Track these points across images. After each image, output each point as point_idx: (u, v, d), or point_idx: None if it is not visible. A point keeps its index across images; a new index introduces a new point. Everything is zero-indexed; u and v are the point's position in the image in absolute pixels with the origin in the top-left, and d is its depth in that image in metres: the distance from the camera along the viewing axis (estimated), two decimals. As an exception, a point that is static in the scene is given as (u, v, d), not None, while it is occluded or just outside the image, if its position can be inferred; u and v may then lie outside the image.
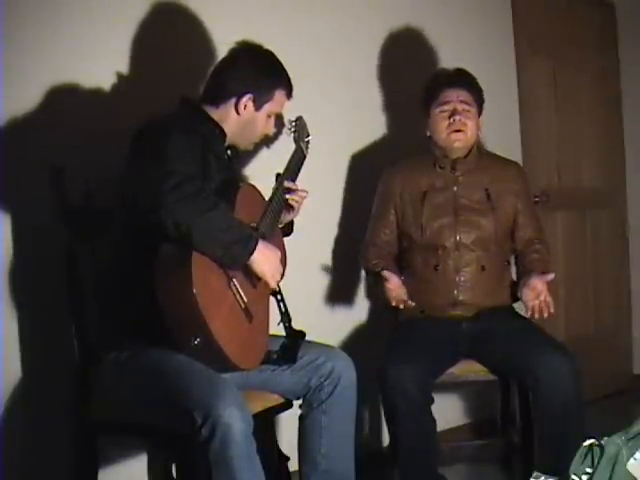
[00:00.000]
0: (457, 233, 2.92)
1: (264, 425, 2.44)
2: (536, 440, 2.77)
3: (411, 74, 3.41)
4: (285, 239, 2.56)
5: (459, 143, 2.93)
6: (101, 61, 2.60)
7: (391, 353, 2.75)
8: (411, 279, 2.90)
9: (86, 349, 2.34)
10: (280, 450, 2.67)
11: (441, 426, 2.86)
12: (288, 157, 2.59)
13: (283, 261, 2.40)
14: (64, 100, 2.51)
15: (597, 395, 3.97)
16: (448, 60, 3.42)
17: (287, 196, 2.50)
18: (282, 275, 2.37)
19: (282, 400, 2.50)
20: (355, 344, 3.25)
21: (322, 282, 3.26)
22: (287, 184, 2.50)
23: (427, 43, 3.57)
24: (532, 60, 4.02)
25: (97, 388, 2.31)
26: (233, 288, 2.21)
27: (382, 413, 2.82)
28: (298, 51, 3.02)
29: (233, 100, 2.40)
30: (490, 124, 3.13)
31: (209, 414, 2.01)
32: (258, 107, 2.42)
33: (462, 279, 2.91)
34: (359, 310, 3.39)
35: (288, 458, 2.66)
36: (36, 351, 2.46)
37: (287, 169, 2.55)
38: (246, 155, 2.83)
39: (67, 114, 2.52)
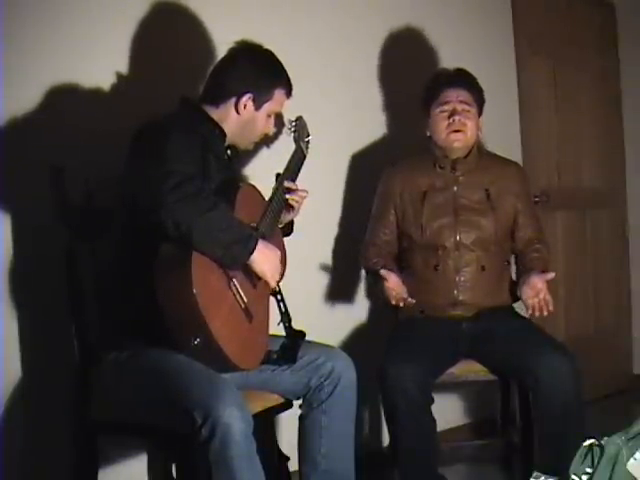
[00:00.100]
0: (457, 233, 2.92)
1: (264, 425, 2.44)
2: (536, 440, 2.77)
3: (411, 74, 3.41)
4: (285, 239, 2.56)
5: (459, 143, 2.93)
6: (101, 61, 2.60)
7: (391, 353, 2.75)
8: (411, 279, 2.89)
9: (86, 349, 2.34)
10: (280, 450, 2.67)
11: (441, 426, 2.86)
12: (288, 157, 2.59)
13: (283, 261, 2.40)
14: (64, 100, 2.51)
15: (597, 395, 3.97)
16: (448, 60, 3.42)
17: (287, 196, 2.50)
18: (282, 275, 2.38)
19: (282, 400, 2.50)
20: (355, 344, 3.25)
21: (322, 282, 3.26)
22: (287, 184, 2.50)
23: (427, 43, 3.57)
24: (532, 60, 4.02)
25: (97, 388, 2.31)
26: (233, 288, 2.21)
27: (382, 413, 2.82)
28: (298, 51, 3.02)
29: (233, 100, 2.40)
30: (490, 124, 3.13)
31: (209, 414, 2.01)
32: (258, 107, 2.42)
33: (462, 279, 2.91)
34: (359, 310, 3.39)
35: (288, 458, 2.66)
36: (36, 351, 2.46)
37: (287, 169, 2.55)
38: (246, 155, 2.83)
39: (67, 114, 2.52)
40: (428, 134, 2.99)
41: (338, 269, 3.29)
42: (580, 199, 4.33)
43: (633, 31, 4.47)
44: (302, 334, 2.41)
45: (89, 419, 2.32)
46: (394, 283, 2.78)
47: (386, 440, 3.11)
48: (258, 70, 2.42)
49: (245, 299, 2.23)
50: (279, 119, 2.67)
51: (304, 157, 2.65)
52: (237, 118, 2.42)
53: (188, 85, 2.67)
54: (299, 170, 2.61)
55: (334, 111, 3.23)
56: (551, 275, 2.81)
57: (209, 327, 2.07)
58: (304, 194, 2.54)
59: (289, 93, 2.49)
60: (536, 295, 2.76)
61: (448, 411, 3.48)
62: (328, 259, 3.28)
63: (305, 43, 3.15)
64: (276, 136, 2.78)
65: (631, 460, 2.19)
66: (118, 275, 2.30)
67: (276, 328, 2.41)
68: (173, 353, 2.14)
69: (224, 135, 2.42)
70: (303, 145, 2.65)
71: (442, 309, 2.91)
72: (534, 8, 4.02)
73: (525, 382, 2.74)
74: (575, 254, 4.24)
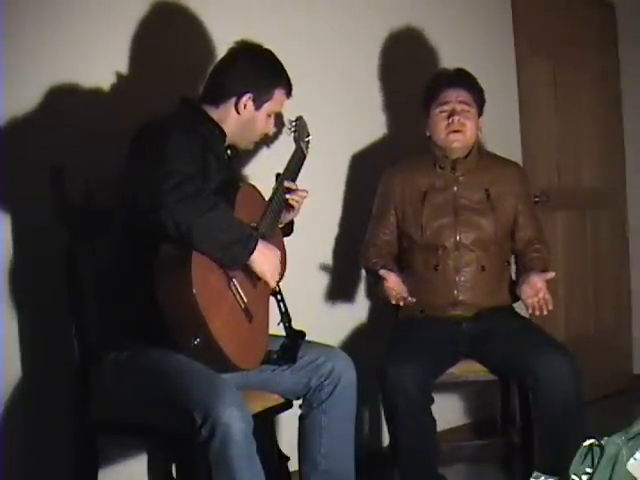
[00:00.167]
0: (457, 233, 2.92)
1: (264, 425, 2.44)
2: (536, 440, 2.77)
3: (411, 74, 3.41)
4: (285, 239, 2.56)
5: (458, 144, 2.93)
6: (101, 61, 2.60)
7: (391, 353, 2.75)
8: (411, 279, 2.89)
9: (86, 349, 2.34)
10: (280, 450, 2.67)
11: (441, 426, 2.86)
12: (288, 157, 2.59)
13: (283, 261, 2.40)
14: (64, 100, 2.51)
15: (597, 395, 3.97)
16: (448, 60, 3.42)
17: (287, 196, 2.50)
18: (282, 275, 2.38)
19: (282, 400, 2.50)
20: (355, 344, 3.25)
21: (322, 282, 3.26)
22: (287, 184, 2.50)
23: (427, 43, 3.57)
24: (532, 60, 4.02)
25: (97, 388, 2.30)
26: (233, 288, 2.21)
27: (382, 413, 2.82)
28: (298, 51, 3.02)
29: (233, 100, 2.40)
30: (490, 124, 3.13)
31: (209, 414, 2.01)
32: (258, 106, 2.42)
33: (462, 279, 2.91)
34: (359, 310, 3.39)
35: (288, 458, 2.66)
36: (36, 351, 2.46)
37: (287, 169, 2.55)
38: (246, 155, 2.83)
39: (67, 114, 2.52)
40: (428, 134, 2.99)
41: (338, 269, 3.29)
42: (580, 199, 4.33)
43: (633, 31, 4.47)
44: (302, 334, 2.41)
45: (89, 419, 2.32)
46: (394, 283, 2.78)
47: (386, 440, 3.11)
48: (258, 70, 2.42)
49: (245, 299, 2.23)
50: (279, 119, 2.67)
51: (304, 157, 2.65)
52: (237, 118, 2.42)
53: (188, 85, 2.67)
54: (299, 170, 2.61)
55: (334, 111, 3.23)
56: (551, 274, 2.81)
57: (209, 327, 2.07)
58: (304, 194, 2.54)
59: (289, 93, 2.49)
60: (535, 294, 2.76)
61: (448, 411, 3.48)
62: (328, 259, 3.28)
63: (305, 43, 3.15)
64: (276, 136, 2.78)
65: (631, 460, 2.19)
66: (118, 275, 2.30)
67: (276, 328, 2.41)
68: (173, 353, 2.14)
69: (224, 135, 2.42)
70: (303, 145, 2.65)
71: (442, 309, 2.91)
72: (534, 8, 4.02)
73: (525, 382, 2.74)
74: (575, 254, 4.24)
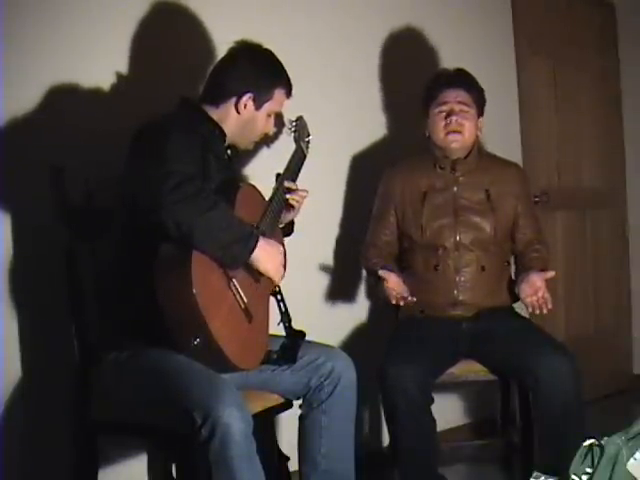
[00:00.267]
0: (457, 233, 2.92)
1: (264, 425, 2.44)
2: (536, 440, 2.77)
3: (411, 74, 3.41)
4: (285, 239, 2.56)
5: (456, 144, 2.92)
6: (101, 61, 2.60)
7: (391, 353, 2.75)
8: (411, 279, 2.89)
9: (86, 349, 2.34)
10: (280, 450, 2.67)
11: (441, 426, 2.86)
12: (288, 157, 2.59)
13: (283, 261, 2.40)
14: (64, 100, 2.51)
15: (597, 395, 3.97)
16: (448, 60, 3.42)
17: (287, 196, 2.50)
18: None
19: (282, 400, 2.50)
20: (355, 344, 3.25)
21: (322, 282, 3.26)
22: (287, 184, 2.50)
23: (427, 43, 3.57)
24: (532, 60, 4.02)
25: (97, 388, 2.30)
26: (233, 288, 2.21)
27: (382, 413, 2.82)
28: (298, 51, 3.02)
29: (233, 99, 2.40)
30: (490, 124, 3.13)
31: (209, 414, 2.01)
32: (258, 106, 2.42)
33: (462, 279, 2.91)
34: (359, 310, 3.39)
35: (288, 458, 2.66)
36: (36, 351, 2.46)
37: (287, 169, 2.55)
38: (246, 155, 2.83)
39: (67, 114, 2.52)
40: (427, 134, 2.99)
41: (338, 269, 3.29)
42: (580, 199, 4.33)
43: (633, 31, 4.47)
44: (302, 334, 2.41)
45: (89, 419, 2.32)
46: (394, 283, 2.78)
47: (386, 440, 3.11)
48: (258, 70, 2.42)
49: (245, 299, 2.23)
50: (279, 119, 2.67)
51: (304, 157, 2.65)
52: (237, 118, 2.42)
53: (188, 85, 2.67)
54: (299, 170, 2.61)
55: (334, 111, 3.23)
56: (550, 274, 2.81)
57: (209, 327, 2.07)
58: (304, 194, 2.54)
59: (289, 93, 2.49)
60: (535, 293, 2.76)
61: (448, 411, 3.48)
62: (328, 259, 3.28)
63: (305, 43, 3.15)
64: (276, 136, 2.78)
65: (631, 460, 2.19)
66: (118, 275, 2.30)
67: (276, 328, 2.41)
68: (173, 353, 2.14)
69: (224, 135, 2.42)
70: (303, 145, 2.65)
71: (442, 309, 2.91)
72: (534, 8, 4.02)
73: (525, 382, 2.74)
74: (575, 254, 4.24)
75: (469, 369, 2.88)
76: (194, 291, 2.05)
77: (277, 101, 2.46)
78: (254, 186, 2.45)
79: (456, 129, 2.90)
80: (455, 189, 2.96)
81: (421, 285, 2.90)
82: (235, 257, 2.16)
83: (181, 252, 2.10)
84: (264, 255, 2.22)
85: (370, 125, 3.41)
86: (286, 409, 2.55)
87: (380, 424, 3.28)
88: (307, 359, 2.43)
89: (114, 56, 2.63)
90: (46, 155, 2.42)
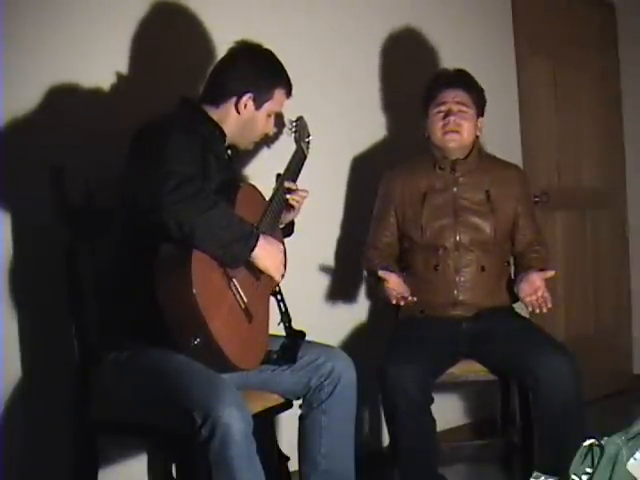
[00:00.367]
0: (457, 234, 2.92)
1: (264, 425, 2.44)
2: (536, 440, 2.77)
3: (411, 74, 3.41)
4: (286, 239, 2.56)
5: (454, 143, 2.92)
6: (101, 61, 2.60)
7: (391, 353, 2.75)
8: (411, 279, 2.89)
9: (86, 349, 2.34)
10: (280, 450, 2.67)
11: (441, 426, 2.86)
12: (288, 157, 2.59)
13: (283, 260, 2.40)
14: (64, 100, 2.51)
15: (597, 395, 3.97)
16: (448, 60, 3.42)
17: (287, 196, 2.50)
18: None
19: (282, 400, 2.50)
20: (355, 344, 3.25)
21: (322, 282, 3.26)
22: (287, 184, 2.50)
23: (427, 43, 3.57)
24: (532, 60, 4.02)
25: (97, 388, 2.30)
26: (233, 288, 2.21)
27: (382, 413, 2.82)
28: (298, 51, 3.02)
29: (233, 99, 2.40)
30: (490, 124, 3.13)
31: (209, 414, 2.01)
32: (258, 106, 2.42)
33: (462, 279, 2.91)
34: (359, 310, 3.39)
35: (288, 458, 2.66)
36: (36, 351, 2.46)
37: (288, 169, 2.55)
38: (246, 155, 2.83)
39: (67, 114, 2.52)
40: (427, 135, 2.99)
41: (338, 269, 3.29)
42: (580, 199, 4.33)
43: (633, 31, 4.47)
44: (302, 334, 2.41)
45: (89, 419, 2.32)
46: (394, 283, 2.78)
47: (386, 440, 3.11)
48: (258, 70, 2.42)
49: (245, 299, 2.23)
50: (279, 119, 2.67)
51: (305, 157, 2.65)
52: (237, 118, 2.42)
53: (188, 85, 2.67)
54: (300, 170, 2.61)
55: (334, 111, 3.23)
56: (550, 273, 2.81)
57: (209, 327, 2.07)
58: (304, 194, 2.54)
59: (289, 93, 2.49)
60: (534, 292, 2.76)
61: (448, 411, 3.48)
62: (328, 259, 3.28)
63: (305, 43, 3.15)
64: (277, 136, 2.78)
65: (631, 460, 2.19)
66: (118, 275, 2.30)
67: (276, 328, 2.41)
68: (173, 353, 2.14)
69: (224, 135, 2.42)
70: (304, 145, 2.65)
71: (442, 309, 2.91)
72: (534, 8, 4.02)
73: (525, 382, 2.74)
74: (575, 254, 4.24)
75: (469, 369, 2.88)
76: (194, 291, 2.05)
77: (277, 101, 2.46)
78: (254, 186, 2.45)
79: (454, 129, 2.90)
80: (455, 190, 2.96)
81: (421, 285, 2.90)
82: (236, 256, 2.16)
83: (181, 252, 2.10)
84: (264, 253, 2.22)
85: (370, 125, 3.41)
86: (286, 409, 2.55)
87: (380, 424, 3.28)
88: (307, 359, 2.43)
89: (114, 56, 2.63)
90: (46, 155, 2.42)
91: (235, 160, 2.55)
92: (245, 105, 2.41)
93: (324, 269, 3.25)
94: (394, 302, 2.78)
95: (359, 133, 3.37)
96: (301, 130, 2.66)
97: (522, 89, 3.98)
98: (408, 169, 3.03)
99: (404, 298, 2.76)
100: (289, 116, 2.66)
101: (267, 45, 2.48)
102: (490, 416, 3.48)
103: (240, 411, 2.04)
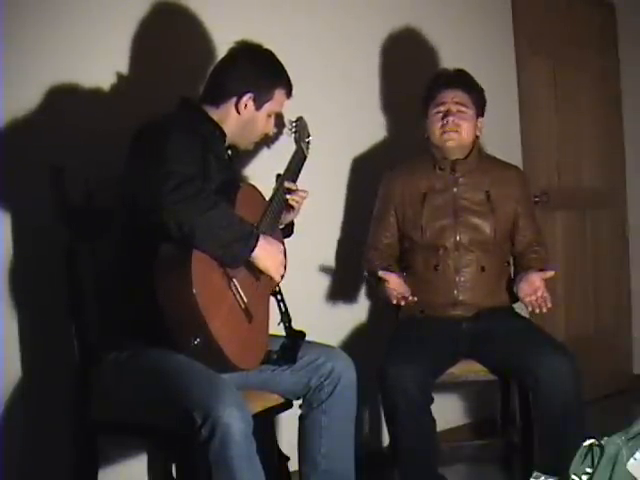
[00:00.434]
0: (457, 234, 2.92)
1: (264, 425, 2.44)
2: (536, 440, 2.77)
3: (411, 74, 3.41)
4: (286, 240, 2.56)
5: (452, 142, 2.92)
6: (101, 61, 2.60)
7: (391, 353, 2.75)
8: (412, 279, 2.89)
9: (86, 349, 2.34)
10: (280, 450, 2.67)
11: (441, 426, 2.86)
12: (288, 157, 2.59)
13: (283, 260, 2.40)
14: (64, 100, 2.51)
15: (597, 395, 3.97)
16: (448, 60, 3.42)
17: (287, 196, 2.50)
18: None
19: (282, 400, 2.50)
20: (355, 344, 3.25)
21: (322, 282, 3.26)
22: (287, 184, 2.50)
23: (427, 43, 3.57)
24: (532, 60, 4.02)
25: (97, 388, 2.30)
26: (233, 288, 2.21)
27: (382, 413, 2.82)
28: (298, 51, 3.02)
29: (233, 100, 2.40)
30: (490, 124, 3.13)
31: (209, 414, 2.01)
32: (258, 106, 2.42)
33: (462, 279, 2.91)
34: (359, 310, 3.39)
35: (288, 458, 2.66)
36: (36, 351, 2.46)
37: (288, 169, 2.55)
38: (246, 155, 2.83)
39: (67, 114, 2.52)
40: (426, 135, 2.99)
41: (338, 269, 3.29)
42: (580, 199, 4.33)
43: (633, 31, 4.47)
44: (302, 334, 2.41)
45: (89, 419, 2.32)
46: (394, 283, 2.78)
47: (386, 440, 3.11)
48: (258, 70, 2.42)
49: (245, 299, 2.23)
50: (280, 119, 2.67)
51: (305, 158, 2.65)
52: (237, 118, 2.42)
53: (188, 85, 2.67)
54: (300, 171, 2.61)
55: (335, 111, 3.23)
56: (550, 273, 2.81)
57: (209, 327, 2.07)
58: (304, 194, 2.54)
59: (289, 93, 2.50)
60: (534, 292, 2.76)
61: (448, 411, 3.48)
62: (328, 259, 3.28)
63: (305, 43, 3.15)
64: (277, 136, 2.78)
65: (631, 460, 2.19)
66: (118, 275, 2.30)
67: (276, 328, 2.41)
68: (173, 353, 2.14)
69: (224, 135, 2.42)
70: (304, 146, 2.65)
71: (442, 309, 2.91)
72: (534, 8, 4.02)
73: (525, 382, 2.74)
74: (575, 254, 4.24)
75: (469, 369, 2.88)
76: (194, 291, 2.05)
77: (277, 101, 2.46)
78: (254, 186, 2.45)
79: (452, 129, 2.90)
80: (455, 190, 2.96)
81: (421, 285, 2.90)
82: (236, 256, 2.16)
83: (181, 252, 2.10)
84: (264, 253, 2.22)
85: (370, 125, 3.41)
86: (286, 409, 2.55)
87: (380, 424, 3.28)
88: (307, 359, 2.43)
89: (114, 56, 2.63)
90: (46, 155, 2.42)
91: (235, 160, 2.55)
92: (245, 105, 2.41)
93: (324, 269, 3.25)
94: (395, 302, 2.78)
95: (359, 133, 3.37)
96: (301, 130, 2.66)
97: (522, 89, 3.98)
98: (408, 169, 3.03)
99: (405, 298, 2.76)
100: (289, 116, 2.66)
101: (267, 45, 2.48)
102: (490, 416, 3.48)
103: (240, 411, 2.04)
